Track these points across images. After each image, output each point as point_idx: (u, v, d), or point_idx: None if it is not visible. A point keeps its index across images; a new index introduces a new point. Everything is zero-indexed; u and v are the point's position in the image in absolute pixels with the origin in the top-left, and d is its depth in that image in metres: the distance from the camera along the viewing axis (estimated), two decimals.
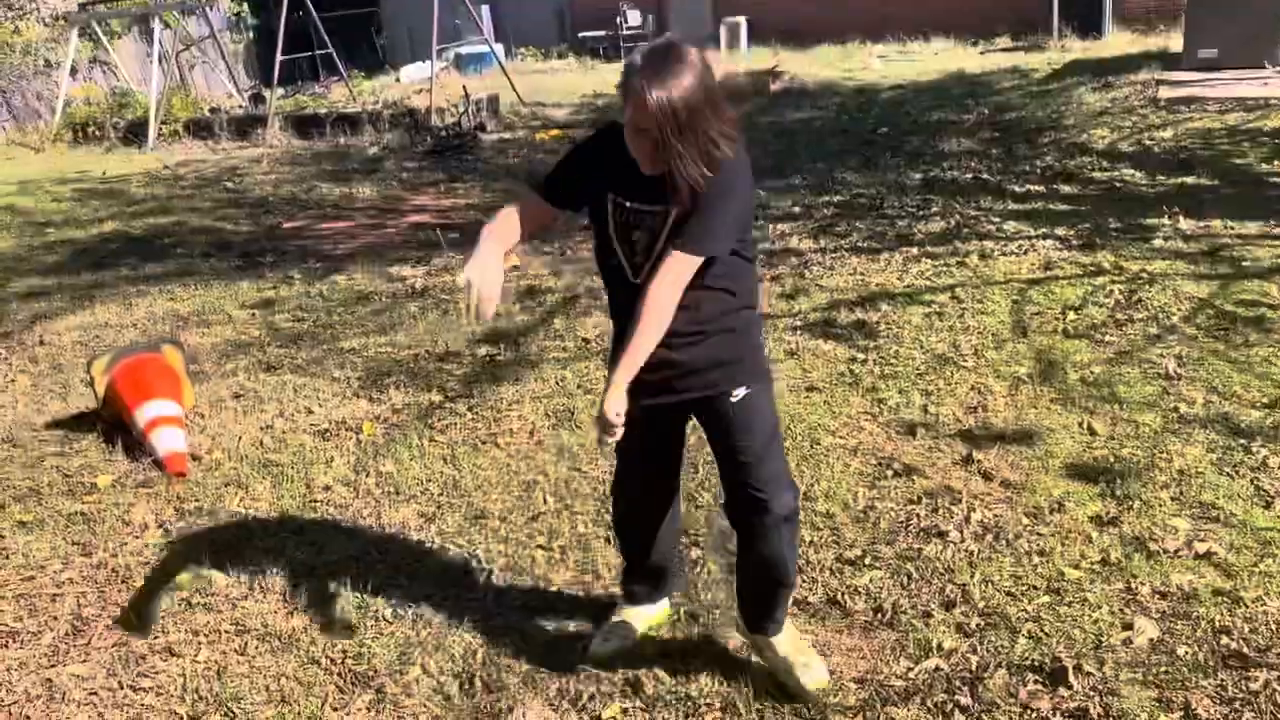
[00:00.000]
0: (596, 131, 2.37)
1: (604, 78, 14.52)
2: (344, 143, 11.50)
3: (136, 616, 3.07)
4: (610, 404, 2.23)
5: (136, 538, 3.54)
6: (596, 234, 2.38)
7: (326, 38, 14.40)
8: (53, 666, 2.90)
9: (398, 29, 20.12)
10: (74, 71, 15.19)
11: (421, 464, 3.88)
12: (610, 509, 2.87)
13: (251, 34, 18.71)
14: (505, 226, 2.33)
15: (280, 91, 13.90)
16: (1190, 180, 6.74)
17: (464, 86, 12.39)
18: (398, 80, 16.80)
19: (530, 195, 2.39)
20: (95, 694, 2.78)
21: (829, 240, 6.22)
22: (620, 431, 2.27)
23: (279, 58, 12.98)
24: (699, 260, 2.22)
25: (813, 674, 2.54)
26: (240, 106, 14.43)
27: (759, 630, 2.61)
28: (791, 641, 2.61)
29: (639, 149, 2.16)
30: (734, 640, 2.76)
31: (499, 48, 15.23)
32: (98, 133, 13.33)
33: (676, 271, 2.22)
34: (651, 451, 2.59)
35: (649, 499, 2.68)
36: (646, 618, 2.83)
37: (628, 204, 2.28)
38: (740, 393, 2.38)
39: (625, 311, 2.31)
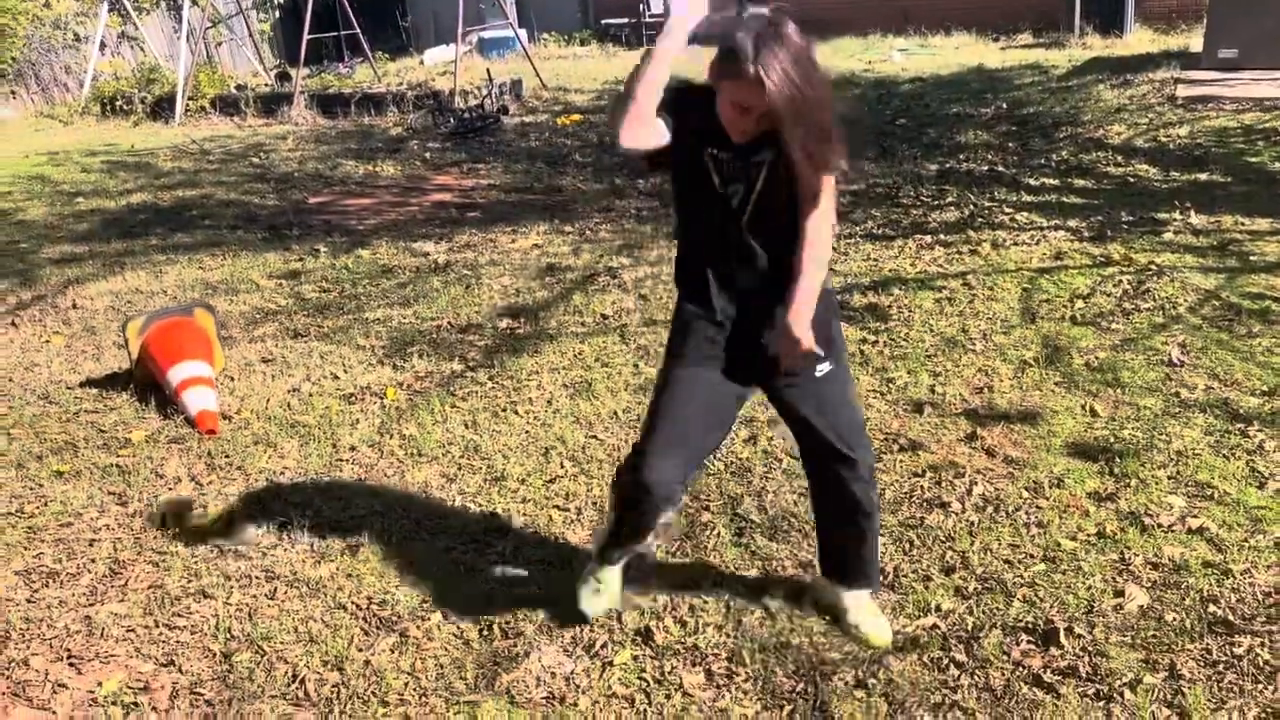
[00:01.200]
0: (677, 90, 2.28)
1: (626, 64, 14.59)
2: (368, 122, 11.64)
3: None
4: (803, 329, 2.32)
5: (170, 489, 3.69)
6: (689, 189, 2.38)
7: (353, 18, 14.52)
8: (91, 605, 3.05)
9: (423, 12, 20.23)
10: (102, 46, 15.37)
11: (443, 428, 4.02)
12: (619, 479, 2.59)
13: (278, 13, 18.85)
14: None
15: (306, 70, 14.03)
16: (1203, 177, 6.81)
17: (487, 70, 12.51)
18: (421, 62, 16.91)
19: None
20: (132, 631, 2.92)
21: (844, 226, 6.32)
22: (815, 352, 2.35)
23: (305, 36, 13.11)
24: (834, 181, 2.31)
25: (886, 630, 2.69)
26: (266, 84, 14.58)
27: (849, 584, 2.72)
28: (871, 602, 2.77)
29: (736, 123, 2.20)
30: (739, 595, 2.89)
31: (522, 32, 15.32)
32: (125, 107, 13.51)
33: (827, 198, 2.30)
34: (706, 419, 2.48)
35: (677, 479, 2.47)
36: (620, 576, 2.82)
37: (725, 156, 2.29)
38: (824, 367, 2.46)
39: (727, 256, 2.39)
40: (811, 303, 2.34)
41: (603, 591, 2.77)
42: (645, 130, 2.23)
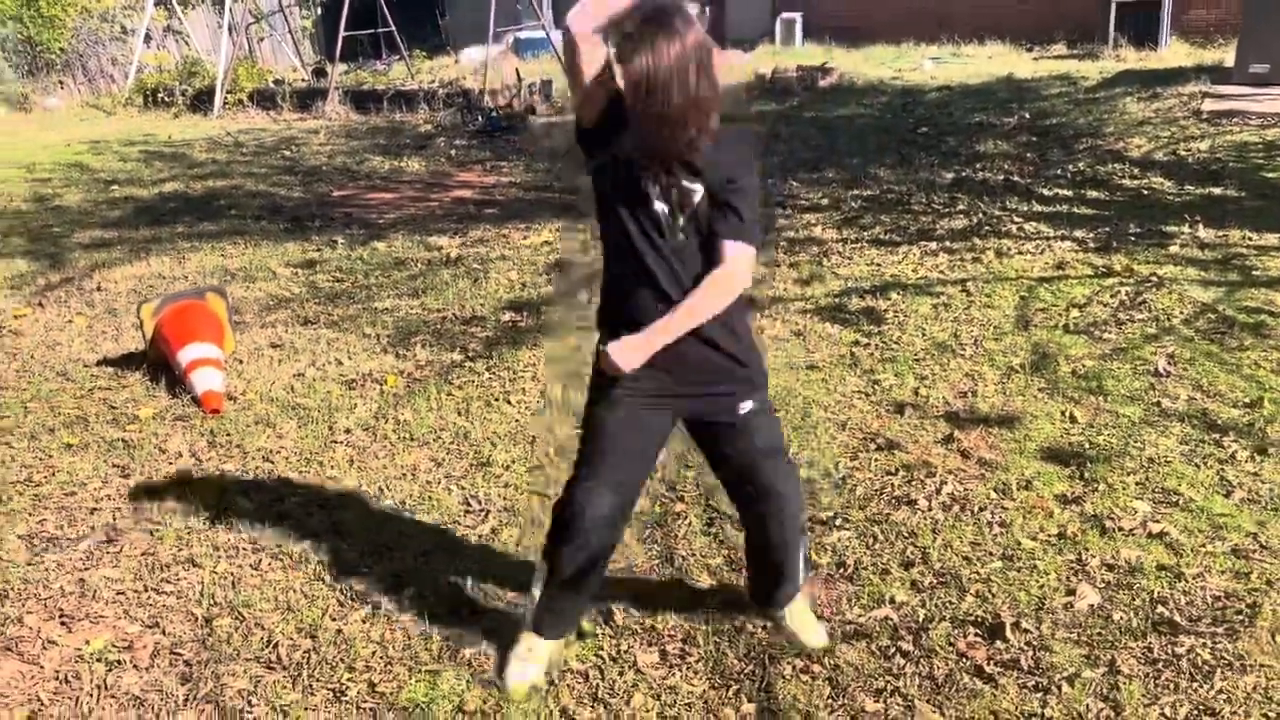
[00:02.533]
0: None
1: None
2: (399, 119, 11.85)
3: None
4: (633, 355, 2.28)
5: (171, 464, 3.84)
6: (610, 211, 2.30)
7: (390, 16, 14.76)
8: (86, 569, 3.20)
9: (460, 11, 20.46)
10: (148, 39, 15.73)
11: (437, 415, 4.15)
12: (552, 525, 2.55)
13: (319, 10, 19.17)
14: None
15: (342, 67, 14.28)
16: (1217, 191, 6.80)
17: (516, 70, 12.67)
18: (456, 61, 17.14)
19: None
20: (122, 594, 3.07)
21: (852, 231, 6.39)
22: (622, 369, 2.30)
23: (342, 33, 13.36)
24: (754, 255, 2.26)
25: (821, 633, 2.74)
26: (303, 80, 14.86)
27: (779, 606, 2.75)
28: (803, 606, 2.80)
29: (628, 102, 2.16)
30: (702, 582, 2.98)
31: (556, 34, 15.48)
32: (166, 98, 13.83)
33: (745, 265, 2.25)
34: (635, 455, 2.45)
35: (614, 516, 2.46)
36: (557, 648, 2.69)
37: (647, 173, 2.23)
38: (747, 406, 2.43)
39: (651, 278, 2.28)
40: (668, 333, 2.27)
41: (530, 660, 2.63)
42: (594, 35, 2.14)
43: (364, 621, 2.89)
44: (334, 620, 2.90)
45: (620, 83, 2.17)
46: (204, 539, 3.33)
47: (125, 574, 3.16)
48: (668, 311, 2.28)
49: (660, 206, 2.25)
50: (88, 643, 2.86)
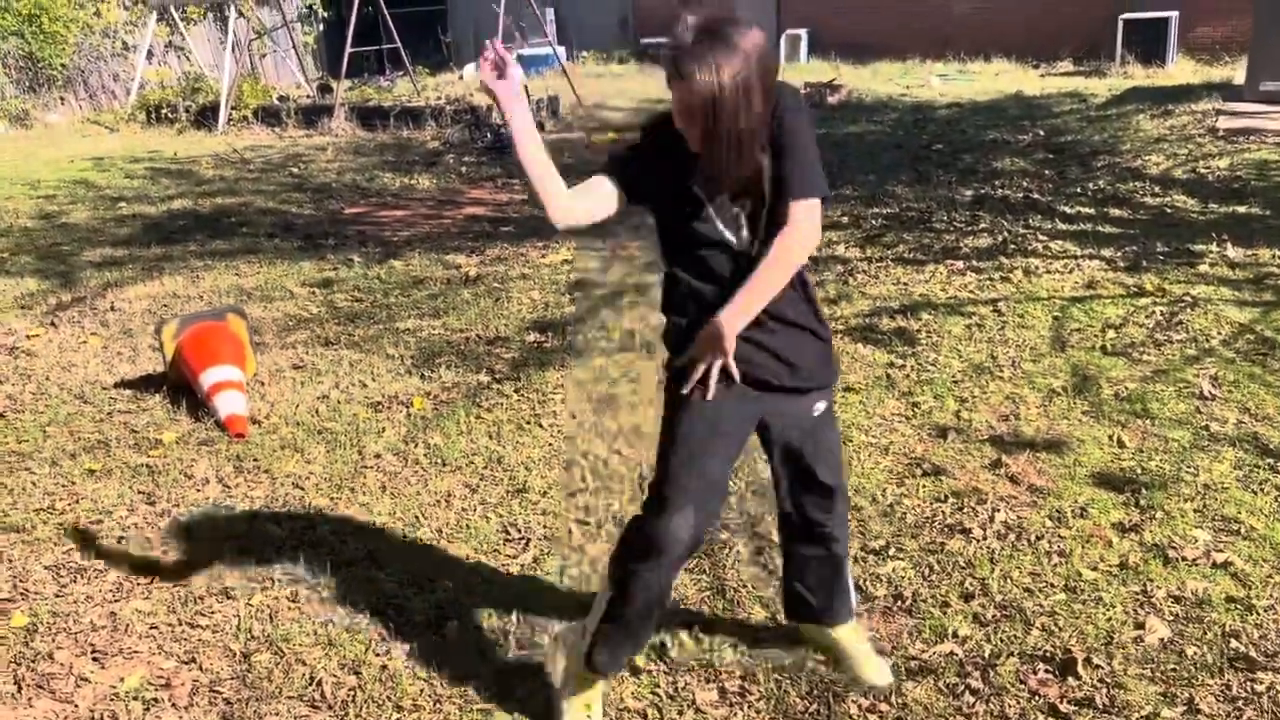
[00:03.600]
0: (649, 126, 2.23)
1: (663, 83, 14.65)
2: (406, 135, 11.78)
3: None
4: (735, 325, 2.15)
5: (198, 490, 3.74)
6: (678, 232, 2.22)
7: (395, 33, 14.72)
8: (117, 601, 3.10)
9: (464, 28, 20.46)
10: (150, 55, 15.68)
11: (468, 439, 4.05)
12: (628, 546, 2.36)
13: (322, 26, 19.14)
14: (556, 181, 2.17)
15: (347, 83, 14.23)
16: (1242, 209, 6.75)
17: (524, 86, 12.60)
18: (461, 78, 17.12)
19: (598, 178, 2.20)
20: (156, 628, 2.97)
21: (875, 250, 6.32)
22: (716, 368, 2.20)
23: (348, 50, 13.32)
24: (818, 206, 2.13)
25: (885, 669, 2.63)
26: (308, 96, 14.80)
27: (839, 620, 2.65)
28: (861, 633, 2.70)
29: (688, 133, 2.08)
30: (756, 616, 2.89)
31: (561, 50, 15.48)
32: (170, 115, 13.76)
33: (803, 222, 2.11)
34: (719, 467, 2.30)
35: (699, 535, 2.29)
36: (608, 686, 2.56)
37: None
38: (821, 406, 2.37)
39: (727, 282, 2.19)
40: (750, 306, 2.16)
41: (584, 696, 2.50)
42: (578, 206, 2.17)
43: (409, 657, 2.79)
44: (377, 656, 2.80)
45: (675, 104, 2.07)
46: (237, 569, 3.23)
47: (158, 606, 3.06)
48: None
49: (728, 219, 2.17)
50: (122, 680, 2.75)
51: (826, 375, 2.38)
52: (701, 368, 2.22)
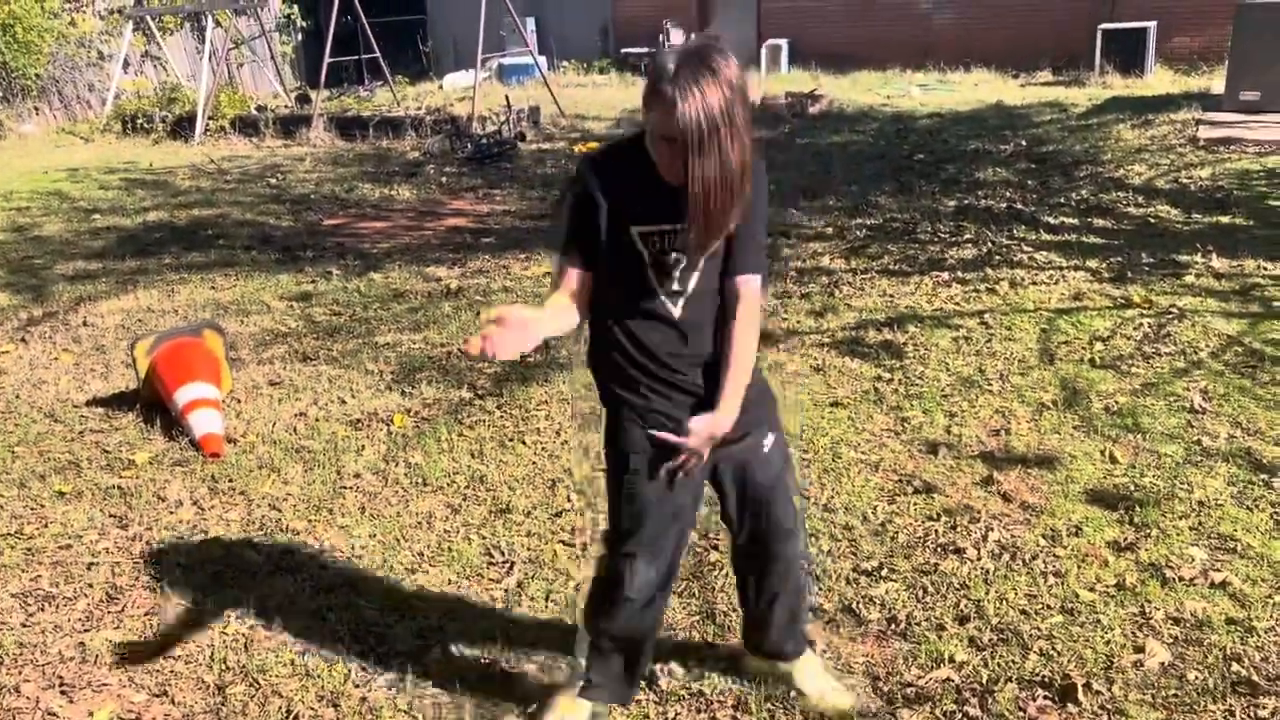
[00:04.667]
0: (584, 167, 2.12)
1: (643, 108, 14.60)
2: (386, 145, 11.67)
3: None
4: (721, 426, 2.14)
5: (171, 513, 3.64)
6: (617, 277, 2.14)
7: (374, 42, 14.62)
8: (86, 631, 3.00)
9: (443, 37, 20.38)
10: (126, 64, 15.50)
11: (449, 457, 3.96)
12: (593, 597, 2.42)
13: (300, 36, 19.01)
14: (560, 311, 2.12)
15: (326, 93, 14.11)
16: (1225, 219, 6.74)
17: (506, 96, 12.55)
18: (440, 87, 17.02)
19: (568, 272, 2.13)
20: (127, 659, 2.86)
21: (860, 261, 6.27)
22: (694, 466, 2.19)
23: (326, 59, 13.20)
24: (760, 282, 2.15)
25: (845, 694, 2.58)
26: (286, 106, 14.66)
27: (794, 655, 2.60)
28: (817, 663, 2.65)
29: (667, 160, 1.96)
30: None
31: (542, 60, 15.40)
32: (146, 125, 13.59)
33: (755, 301, 2.13)
34: (673, 517, 2.29)
35: (659, 581, 2.34)
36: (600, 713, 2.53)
37: (658, 228, 2.07)
38: (769, 440, 2.33)
39: (658, 352, 2.15)
40: (737, 402, 2.16)
41: None
42: (580, 304, 2.15)
43: (389, 688, 2.70)
44: (357, 687, 2.71)
45: (657, 135, 1.95)
46: (211, 596, 3.12)
47: (128, 636, 2.96)
48: (689, 355, 2.16)
49: (662, 271, 2.12)
50: (91, 714, 2.65)
51: (762, 413, 2.31)
52: (682, 460, 2.18)
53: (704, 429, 2.14)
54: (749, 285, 2.14)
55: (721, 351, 2.16)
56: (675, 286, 2.12)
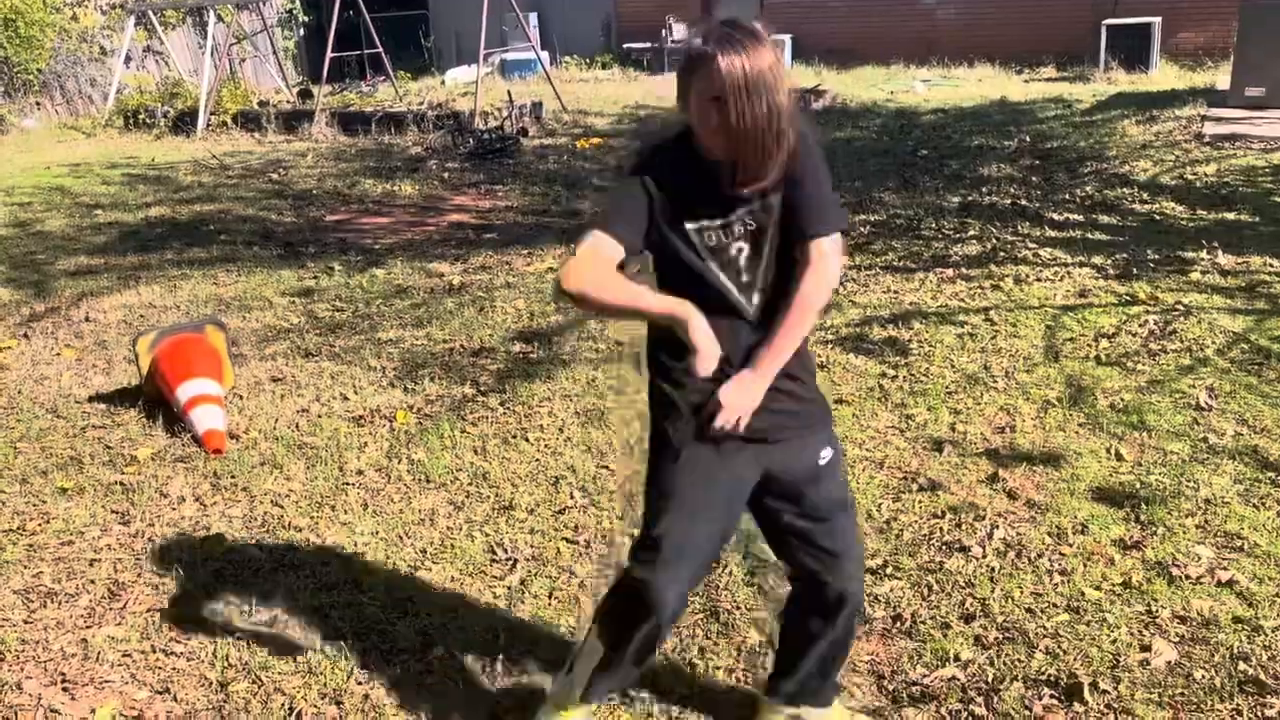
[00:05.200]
0: (636, 162, 2.04)
1: (646, 89, 14.62)
2: (388, 141, 11.65)
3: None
4: (752, 393, 2.03)
5: (173, 509, 3.63)
6: (676, 275, 2.05)
7: (376, 37, 14.60)
8: (88, 628, 2.99)
9: (445, 32, 20.34)
10: (128, 59, 15.49)
11: (453, 454, 3.95)
12: (618, 606, 2.23)
13: (302, 31, 18.98)
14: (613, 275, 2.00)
15: (328, 88, 14.10)
16: (1231, 216, 6.72)
17: (508, 91, 12.52)
18: (443, 83, 16.99)
19: (603, 241, 1.97)
20: (129, 655, 2.86)
21: (864, 258, 6.25)
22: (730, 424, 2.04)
23: (328, 55, 13.18)
24: (840, 241, 2.02)
25: None
26: (288, 101, 14.65)
27: (827, 702, 2.43)
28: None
29: (714, 125, 1.90)
30: (753, 637, 2.80)
31: (544, 55, 15.37)
32: (148, 120, 13.58)
33: (830, 259, 2.00)
34: (715, 523, 2.15)
35: (690, 589, 2.20)
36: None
37: (712, 223, 2.01)
38: (827, 454, 2.17)
39: (733, 357, 2.03)
40: (780, 359, 2.04)
41: None
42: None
43: (392, 686, 2.69)
44: (360, 685, 2.70)
45: (704, 99, 1.89)
46: (214, 593, 3.11)
47: (131, 633, 2.95)
48: (750, 333, 2.04)
49: (726, 262, 2.03)
50: (94, 711, 2.64)
51: (816, 417, 2.18)
52: (720, 422, 2.04)
53: (735, 398, 2.02)
54: (815, 247, 2.01)
55: (778, 310, 2.04)
56: (744, 278, 2.04)
